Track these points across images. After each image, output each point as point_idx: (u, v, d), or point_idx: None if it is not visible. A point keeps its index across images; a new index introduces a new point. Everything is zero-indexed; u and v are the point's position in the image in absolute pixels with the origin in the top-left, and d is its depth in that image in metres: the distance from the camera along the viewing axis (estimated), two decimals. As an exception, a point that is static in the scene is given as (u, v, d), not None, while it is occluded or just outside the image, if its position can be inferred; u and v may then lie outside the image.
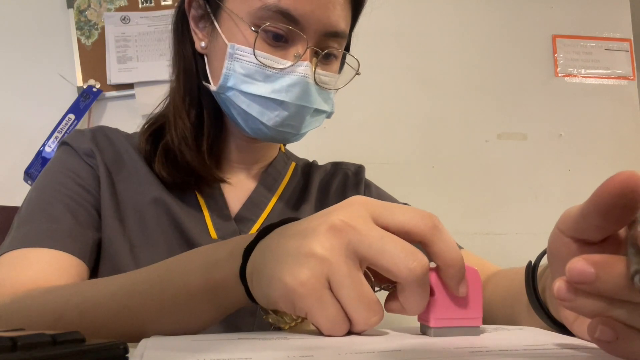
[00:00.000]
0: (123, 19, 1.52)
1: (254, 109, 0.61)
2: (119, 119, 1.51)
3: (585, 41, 1.73)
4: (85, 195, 0.62)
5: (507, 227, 1.60)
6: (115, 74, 1.52)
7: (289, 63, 0.60)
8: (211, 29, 0.64)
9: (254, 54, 0.59)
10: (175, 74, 0.68)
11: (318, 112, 0.66)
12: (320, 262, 0.31)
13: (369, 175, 0.82)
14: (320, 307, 0.32)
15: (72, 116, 1.47)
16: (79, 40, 1.51)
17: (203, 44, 0.65)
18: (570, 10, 1.73)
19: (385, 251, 0.31)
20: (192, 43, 0.66)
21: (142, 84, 1.51)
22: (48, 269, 0.54)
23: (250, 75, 0.60)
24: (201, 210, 0.66)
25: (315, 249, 0.31)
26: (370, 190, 0.80)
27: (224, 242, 0.41)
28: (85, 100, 1.48)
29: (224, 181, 0.68)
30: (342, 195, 0.77)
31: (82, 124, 1.47)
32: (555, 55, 1.71)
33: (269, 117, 0.61)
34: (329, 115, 0.70)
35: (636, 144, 1.72)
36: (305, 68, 0.60)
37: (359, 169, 0.81)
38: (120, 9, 1.53)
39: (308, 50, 0.60)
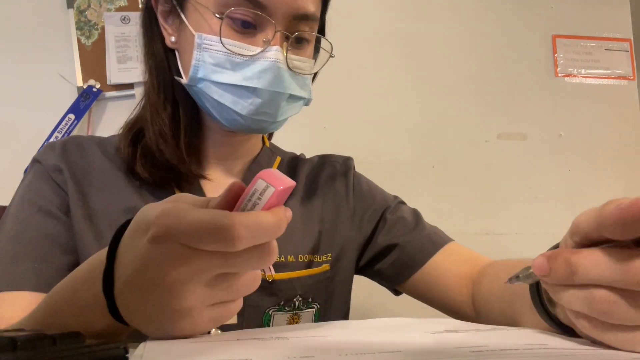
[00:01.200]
0: (123, 19, 1.52)
1: (226, 99, 0.60)
2: (119, 119, 1.49)
3: (585, 41, 1.73)
4: (54, 223, 0.59)
5: (507, 227, 1.60)
6: (115, 74, 1.51)
7: (258, 49, 0.59)
8: (179, 23, 0.64)
9: (222, 42, 0.58)
10: (148, 71, 0.67)
11: (294, 98, 0.64)
12: (189, 311, 0.33)
13: (369, 174, 0.82)
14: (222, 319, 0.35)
15: (72, 116, 1.47)
16: (79, 40, 1.51)
17: (173, 38, 0.64)
18: (570, 10, 1.73)
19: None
20: (162, 39, 0.65)
21: (142, 84, 1.51)
22: (10, 310, 0.52)
23: (220, 65, 0.59)
24: None
25: (181, 305, 0.33)
26: (360, 180, 0.78)
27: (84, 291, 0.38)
28: (85, 100, 1.48)
29: (203, 177, 0.67)
30: (331, 187, 0.75)
31: (82, 124, 1.47)
32: (555, 55, 1.71)
33: (243, 106, 0.60)
34: (307, 102, 0.69)
35: (636, 144, 1.72)
36: (275, 53, 0.58)
37: (347, 161, 0.80)
38: (120, 9, 1.53)
39: (277, 34, 0.59)
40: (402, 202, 0.78)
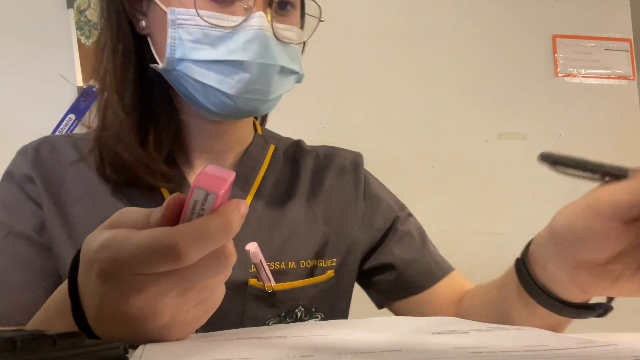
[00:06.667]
0: (123, 19, 1.52)
1: (211, 78, 0.54)
2: (119, 119, 1.51)
3: (585, 41, 1.73)
4: (28, 247, 0.55)
5: (507, 227, 1.60)
6: (115, 74, 1.51)
7: (240, 18, 0.52)
8: (147, 4, 0.57)
9: (198, 15, 0.52)
10: (108, 59, 0.58)
11: (286, 71, 0.57)
12: (170, 323, 0.32)
13: (369, 175, 0.81)
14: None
15: (72, 116, 1.47)
16: (79, 40, 1.51)
17: (143, 23, 0.57)
18: (570, 10, 1.73)
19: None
20: (131, 24, 0.58)
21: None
22: None
23: (199, 40, 0.53)
24: None
25: (158, 324, 0.32)
26: (369, 180, 0.72)
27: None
28: (85, 100, 1.48)
29: (168, 179, 0.59)
30: (339, 184, 0.68)
31: (82, 124, 1.47)
32: (555, 55, 1.71)
33: (230, 85, 0.53)
34: (299, 79, 0.61)
35: (636, 144, 1.72)
36: (259, 19, 0.52)
37: (357, 157, 0.73)
38: (120, 9, 1.53)
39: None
40: (410, 214, 0.73)
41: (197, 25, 0.53)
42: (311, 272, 0.61)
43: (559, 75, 1.71)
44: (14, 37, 1.48)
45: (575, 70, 1.72)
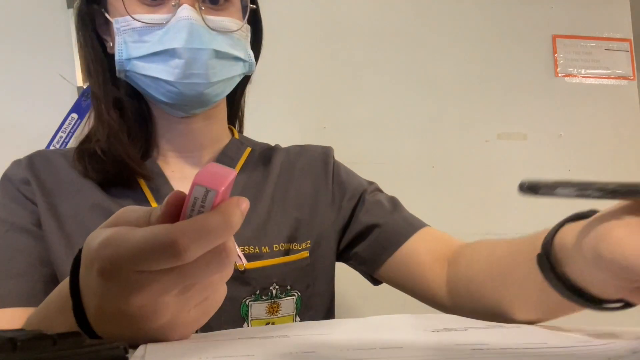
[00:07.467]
0: (123, 19, 1.52)
1: (152, 70, 0.60)
2: (119, 119, 1.51)
3: (585, 41, 1.73)
4: (28, 238, 0.60)
5: (507, 227, 1.60)
6: (115, 74, 1.51)
7: (170, 15, 0.59)
8: (109, 26, 0.65)
9: (132, 17, 0.60)
10: (88, 75, 0.68)
11: (225, 56, 0.62)
12: (171, 323, 0.32)
13: (369, 174, 0.82)
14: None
15: (75, 115, 1.47)
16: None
17: (111, 43, 0.66)
18: (570, 10, 1.73)
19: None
20: (104, 47, 0.67)
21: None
22: None
23: (138, 40, 0.60)
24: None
25: (158, 323, 0.32)
26: (339, 167, 0.77)
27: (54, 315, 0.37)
28: (87, 100, 1.48)
29: (147, 177, 0.65)
30: (310, 172, 0.74)
31: (84, 123, 1.47)
32: (555, 55, 1.71)
33: (169, 72, 0.60)
34: (249, 67, 0.67)
35: (636, 144, 1.72)
36: (185, 10, 0.59)
37: (327, 150, 0.79)
38: (120, 9, 1.53)
39: None
40: (380, 190, 0.77)
41: (134, 28, 0.60)
42: (285, 254, 0.65)
43: (559, 75, 1.71)
44: (14, 37, 1.48)
45: (575, 70, 1.72)
